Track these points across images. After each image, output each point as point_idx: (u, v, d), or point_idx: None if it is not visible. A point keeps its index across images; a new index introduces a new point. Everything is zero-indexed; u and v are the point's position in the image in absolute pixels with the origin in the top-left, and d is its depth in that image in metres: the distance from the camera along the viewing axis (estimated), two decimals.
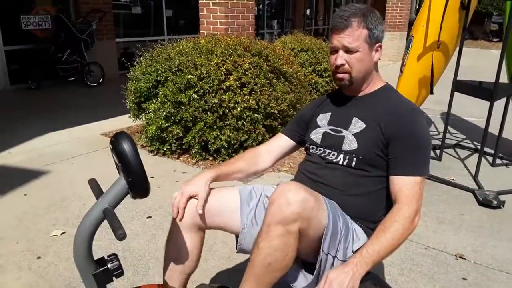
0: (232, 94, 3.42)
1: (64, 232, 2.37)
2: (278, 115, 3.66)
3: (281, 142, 1.64)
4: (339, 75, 1.41)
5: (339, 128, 1.44)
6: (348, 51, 1.36)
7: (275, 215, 1.15)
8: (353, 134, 1.39)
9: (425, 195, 2.91)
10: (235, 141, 3.43)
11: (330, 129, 1.46)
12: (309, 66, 5.10)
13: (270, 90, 3.63)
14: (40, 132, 4.29)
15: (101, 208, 1.05)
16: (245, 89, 3.49)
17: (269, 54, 3.79)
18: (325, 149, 1.44)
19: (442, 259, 2.19)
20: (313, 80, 5.07)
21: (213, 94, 3.39)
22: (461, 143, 4.11)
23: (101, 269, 1.10)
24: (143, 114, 3.83)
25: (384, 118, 1.36)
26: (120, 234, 0.96)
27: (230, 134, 3.40)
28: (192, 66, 3.49)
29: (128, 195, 1.08)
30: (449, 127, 4.63)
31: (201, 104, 3.38)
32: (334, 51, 1.40)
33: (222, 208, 1.42)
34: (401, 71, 3.67)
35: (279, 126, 3.68)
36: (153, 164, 3.42)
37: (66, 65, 6.69)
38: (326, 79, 5.10)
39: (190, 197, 1.38)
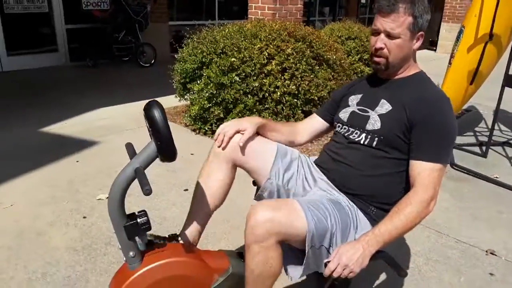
0: (272, 78, 3.48)
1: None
2: (318, 101, 3.67)
3: (314, 122, 1.71)
4: (376, 59, 1.43)
5: (366, 108, 1.47)
6: (389, 35, 1.37)
7: (249, 236, 1.23)
8: (378, 115, 1.42)
9: (465, 190, 2.86)
10: None
11: (358, 109, 1.50)
12: (356, 54, 5.04)
13: (312, 76, 3.65)
14: (94, 106, 4.59)
15: (132, 168, 1.17)
16: (286, 74, 3.53)
17: (312, 40, 3.80)
18: (350, 128, 1.48)
19: (471, 253, 2.16)
20: (359, 69, 5.00)
21: (254, 78, 3.47)
22: (511, 141, 3.91)
23: (131, 222, 1.22)
24: (188, 94, 3.99)
25: (411, 103, 1.37)
26: (146, 189, 1.07)
27: (269, 118, 3.47)
28: (236, 49, 3.58)
29: (158, 159, 1.19)
30: (500, 125, 4.42)
31: (242, 87, 3.47)
32: (376, 33, 1.41)
33: (259, 153, 1.50)
34: (450, 62, 3.53)
35: None
36: (194, 142, 3.57)
37: (121, 45, 7.03)
38: None
39: (237, 132, 1.47)
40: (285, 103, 3.51)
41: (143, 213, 1.25)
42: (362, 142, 1.43)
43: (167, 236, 1.48)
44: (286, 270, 1.37)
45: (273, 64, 3.51)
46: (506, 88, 3.26)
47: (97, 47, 6.85)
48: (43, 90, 5.33)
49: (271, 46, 3.58)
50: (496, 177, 3.09)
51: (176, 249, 1.37)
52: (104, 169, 2.94)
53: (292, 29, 3.85)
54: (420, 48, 1.47)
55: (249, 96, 3.49)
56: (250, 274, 1.29)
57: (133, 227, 1.22)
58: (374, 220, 1.37)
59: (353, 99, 1.55)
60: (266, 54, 3.54)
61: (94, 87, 5.59)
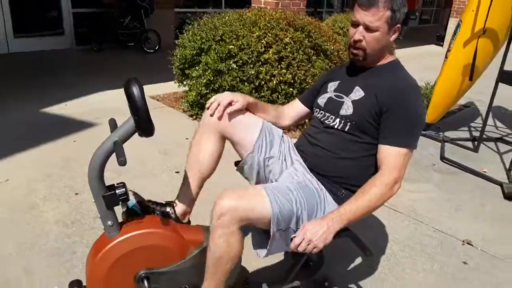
0: (269, 67, 3.53)
1: None
2: None
3: (296, 106, 1.77)
4: (354, 51, 1.48)
5: (341, 94, 1.54)
6: (368, 28, 1.42)
7: (213, 220, 1.30)
8: (351, 101, 1.49)
9: (452, 183, 2.91)
10: None
11: (334, 95, 1.57)
12: None
13: (308, 66, 3.69)
14: (95, 89, 4.67)
15: (111, 141, 1.24)
16: (283, 63, 3.57)
17: (311, 30, 3.83)
18: (326, 113, 1.55)
19: (448, 242, 2.22)
20: None
21: (251, 66, 3.51)
22: (505, 138, 3.94)
23: (110, 192, 1.30)
24: (187, 80, 4.05)
25: (382, 90, 1.43)
26: (121, 160, 1.15)
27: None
28: (234, 36, 3.63)
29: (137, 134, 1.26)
30: (497, 121, 4.44)
31: (239, 74, 3.52)
32: (355, 24, 1.46)
33: (246, 126, 1.56)
34: (446, 56, 3.56)
35: None
36: (191, 127, 3.64)
37: (126, 30, 7.09)
38: None
39: (230, 103, 1.53)
40: (280, 92, 3.55)
41: (122, 184, 1.32)
42: (336, 126, 1.49)
43: (163, 202, 1.57)
44: (255, 250, 1.45)
45: (270, 52, 3.55)
46: (506, 86, 3.29)
47: (102, 31, 6.92)
48: (47, 72, 5.42)
49: (269, 35, 3.62)
50: (485, 171, 3.13)
51: (153, 220, 1.45)
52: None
53: (292, 18, 3.88)
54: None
55: (245, 83, 3.54)
56: (211, 255, 1.36)
57: (111, 197, 1.30)
58: (343, 201, 1.44)
59: (331, 86, 1.61)
60: (264, 43, 3.58)
61: (97, 70, 5.67)
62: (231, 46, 3.55)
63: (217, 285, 1.40)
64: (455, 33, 3.46)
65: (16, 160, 2.86)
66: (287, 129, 1.87)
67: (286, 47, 3.60)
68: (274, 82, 3.51)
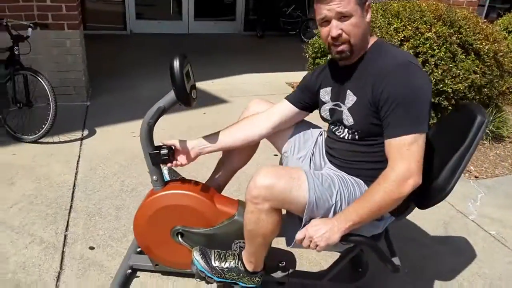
0: None
1: None
2: (452, 95, 3.27)
3: (282, 107, 1.60)
4: (339, 48, 1.31)
5: (339, 103, 1.43)
6: (342, 17, 1.26)
7: (247, 194, 1.31)
8: (348, 109, 1.37)
9: None
10: None
11: (333, 105, 1.46)
12: None
13: (450, 65, 3.26)
14: (243, 71, 5.11)
15: (157, 106, 1.43)
16: (418, 59, 3.24)
17: (462, 25, 3.35)
18: (335, 125, 1.47)
19: None
20: None
21: None
22: None
23: (154, 151, 1.49)
24: None
25: (372, 83, 1.28)
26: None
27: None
28: (371, 28, 3.45)
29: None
30: None
31: None
32: (325, 22, 1.30)
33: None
34: None
35: (450, 107, 3.31)
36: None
37: (288, 19, 7.42)
38: None
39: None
40: None
41: (167, 147, 1.50)
42: (346, 138, 1.42)
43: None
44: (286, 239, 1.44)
45: (405, 47, 3.27)
46: None
47: (266, 19, 7.40)
48: (209, 52, 6.15)
49: (409, 28, 3.33)
50: None
51: (195, 185, 1.59)
52: (219, 124, 3.34)
53: (443, 11, 3.47)
54: None
55: None
56: (244, 226, 1.41)
57: (155, 156, 1.49)
58: None
59: (325, 95, 1.49)
60: (402, 36, 3.32)
61: (253, 55, 6.15)
62: (381, 37, 3.40)
63: (254, 253, 1.46)
64: None
65: None
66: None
67: (426, 42, 3.25)
68: None
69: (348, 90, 1.38)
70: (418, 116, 1.21)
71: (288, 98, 1.61)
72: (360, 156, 1.40)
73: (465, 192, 2.66)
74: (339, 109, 1.43)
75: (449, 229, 2.25)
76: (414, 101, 1.22)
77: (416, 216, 2.23)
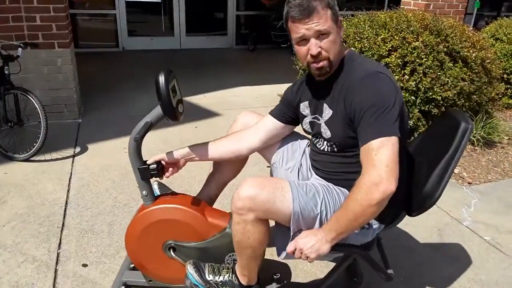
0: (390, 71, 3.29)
1: None
2: (442, 102, 3.30)
3: (267, 122, 1.61)
4: (318, 65, 1.32)
5: (317, 116, 1.45)
6: (320, 35, 1.28)
7: (232, 205, 1.32)
8: (324, 122, 1.39)
9: None
10: None
11: (312, 118, 1.48)
12: None
13: (439, 73, 3.30)
14: (235, 84, 5.13)
15: (144, 121, 1.44)
16: (407, 68, 3.29)
17: (449, 34, 3.40)
18: (316, 138, 1.49)
19: None
20: None
21: None
22: None
23: (143, 166, 1.49)
24: None
25: (344, 96, 1.32)
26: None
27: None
28: (358, 38, 3.50)
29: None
30: None
31: None
32: (303, 40, 1.30)
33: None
34: None
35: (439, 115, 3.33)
36: None
37: (280, 32, 7.48)
38: None
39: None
40: None
41: (157, 162, 1.50)
42: (326, 150, 1.44)
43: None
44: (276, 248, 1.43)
45: (393, 57, 3.31)
46: None
47: (257, 32, 7.47)
48: (201, 66, 6.18)
49: (396, 38, 3.37)
50: None
51: (186, 199, 1.58)
52: (210, 138, 3.34)
53: (429, 21, 3.52)
54: None
55: None
56: (233, 238, 1.41)
57: (144, 170, 1.49)
58: None
59: (304, 108, 1.52)
60: (389, 46, 3.36)
61: (245, 68, 6.18)
62: (351, 48, 3.44)
63: (246, 265, 1.45)
64: None
65: None
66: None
67: (414, 51, 3.29)
68: None
69: (325, 104, 1.40)
70: (384, 121, 1.22)
71: (272, 113, 1.62)
72: (342, 167, 1.42)
73: (459, 198, 2.67)
74: (317, 122, 1.45)
75: (443, 236, 2.25)
76: (381, 107, 1.22)
77: (411, 223, 2.24)
